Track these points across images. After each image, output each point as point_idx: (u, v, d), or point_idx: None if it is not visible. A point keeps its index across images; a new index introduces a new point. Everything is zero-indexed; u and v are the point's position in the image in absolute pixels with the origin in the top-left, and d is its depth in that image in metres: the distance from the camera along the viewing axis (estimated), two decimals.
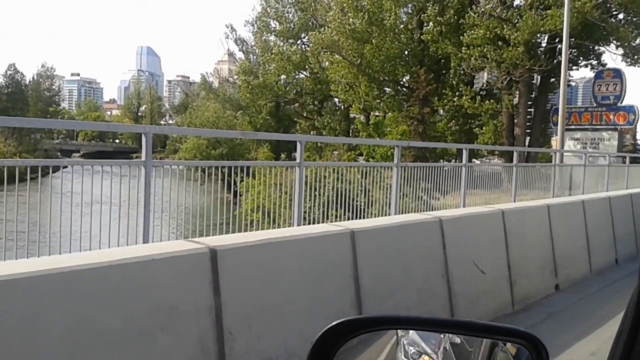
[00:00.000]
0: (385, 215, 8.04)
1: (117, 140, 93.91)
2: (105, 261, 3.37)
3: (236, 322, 4.03)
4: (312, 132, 44.80)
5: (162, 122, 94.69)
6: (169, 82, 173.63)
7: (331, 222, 7.14)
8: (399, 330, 1.52)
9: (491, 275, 7.33)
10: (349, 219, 7.58)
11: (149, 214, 5.19)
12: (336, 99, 44.45)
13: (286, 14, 47.07)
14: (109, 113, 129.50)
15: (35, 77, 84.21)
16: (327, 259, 5.09)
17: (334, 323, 1.24)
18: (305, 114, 49.53)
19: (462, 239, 6.93)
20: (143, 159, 5.18)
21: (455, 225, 6.88)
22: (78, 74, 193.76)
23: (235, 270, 4.13)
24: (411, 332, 1.52)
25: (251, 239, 4.46)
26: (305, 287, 4.76)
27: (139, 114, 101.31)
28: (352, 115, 46.10)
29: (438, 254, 6.48)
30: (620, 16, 29.98)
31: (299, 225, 6.40)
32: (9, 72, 76.36)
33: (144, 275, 3.56)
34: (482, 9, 29.49)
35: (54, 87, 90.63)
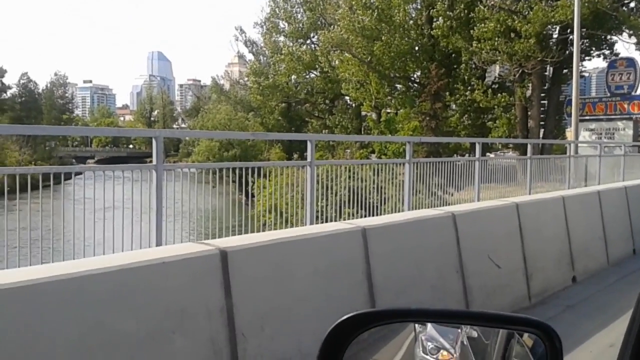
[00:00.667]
0: (399, 212, 8.00)
1: (130, 146, 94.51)
2: (115, 265, 3.37)
3: (248, 323, 4.01)
4: (324, 131, 44.82)
5: (174, 126, 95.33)
6: (181, 86, 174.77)
7: (344, 220, 7.12)
8: (416, 326, 1.52)
9: (507, 269, 7.26)
10: (362, 217, 7.55)
11: (161, 217, 5.20)
12: (347, 98, 44.43)
13: (295, 14, 47.10)
14: (122, 119, 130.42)
15: (48, 85, 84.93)
16: (339, 258, 5.06)
17: (345, 317, 1.25)
18: (316, 114, 49.58)
19: (476, 234, 6.87)
20: (154, 162, 5.20)
21: (468, 219, 6.82)
22: (90, 81, 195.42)
23: (246, 271, 4.11)
24: (429, 327, 1.52)
25: (261, 239, 4.44)
26: (317, 286, 4.74)
27: (152, 118, 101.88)
28: (363, 113, 46.02)
29: (452, 249, 6.43)
30: (632, 4, 29.67)
31: (311, 224, 6.39)
32: (22, 81, 76.95)
33: (154, 278, 3.56)
34: (492, 2, 29.32)
35: (67, 94, 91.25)
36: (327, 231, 5.13)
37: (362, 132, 43.86)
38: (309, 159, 6.73)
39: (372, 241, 5.31)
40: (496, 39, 29.13)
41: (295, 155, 41.48)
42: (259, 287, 4.21)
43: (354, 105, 45.47)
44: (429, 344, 1.51)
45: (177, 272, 3.68)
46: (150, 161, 5.56)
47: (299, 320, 4.47)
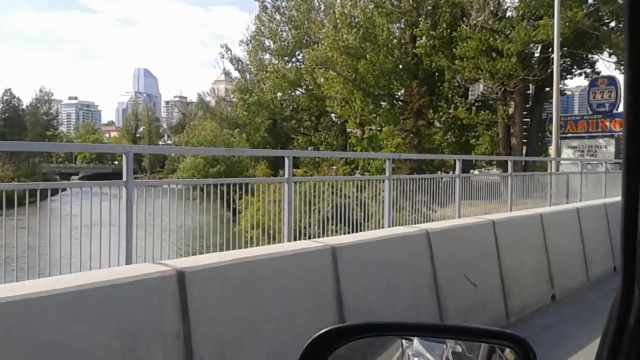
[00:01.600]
0: (383, 228, 7.90)
1: (115, 162, 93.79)
2: (59, 289, 3.19)
3: (208, 348, 3.83)
4: (309, 148, 44.80)
5: (160, 143, 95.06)
6: (167, 102, 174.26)
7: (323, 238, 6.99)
8: (403, 342, 1.54)
9: (483, 287, 7.14)
10: (347, 234, 7.43)
11: (132, 235, 5.05)
12: (332, 115, 44.45)
13: (280, 33, 47.27)
14: (107, 135, 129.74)
15: (33, 101, 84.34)
16: (307, 277, 4.91)
17: (322, 332, 1.23)
18: (302, 130, 49.57)
19: (451, 252, 6.75)
20: (124, 179, 5.07)
21: (443, 237, 6.71)
22: (76, 98, 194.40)
23: (205, 293, 3.94)
24: (415, 343, 1.53)
25: (223, 259, 4.27)
26: (283, 308, 4.57)
27: (137, 135, 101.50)
28: (348, 130, 46.04)
29: (426, 268, 6.30)
30: (612, 24, 30.01)
31: (289, 241, 6.27)
32: (5, 98, 76.41)
33: (102, 302, 3.36)
34: (474, 22, 29.52)
35: (51, 111, 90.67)
36: (294, 250, 4.98)
37: (348, 149, 43.84)
38: (286, 175, 6.68)
39: (342, 260, 5.17)
40: (478, 57, 29.34)
41: (282, 172, 41.20)
42: (220, 309, 4.04)
43: (339, 122, 45.47)
44: (416, 359, 1.52)
45: (128, 295, 3.49)
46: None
47: (263, 343, 4.30)
